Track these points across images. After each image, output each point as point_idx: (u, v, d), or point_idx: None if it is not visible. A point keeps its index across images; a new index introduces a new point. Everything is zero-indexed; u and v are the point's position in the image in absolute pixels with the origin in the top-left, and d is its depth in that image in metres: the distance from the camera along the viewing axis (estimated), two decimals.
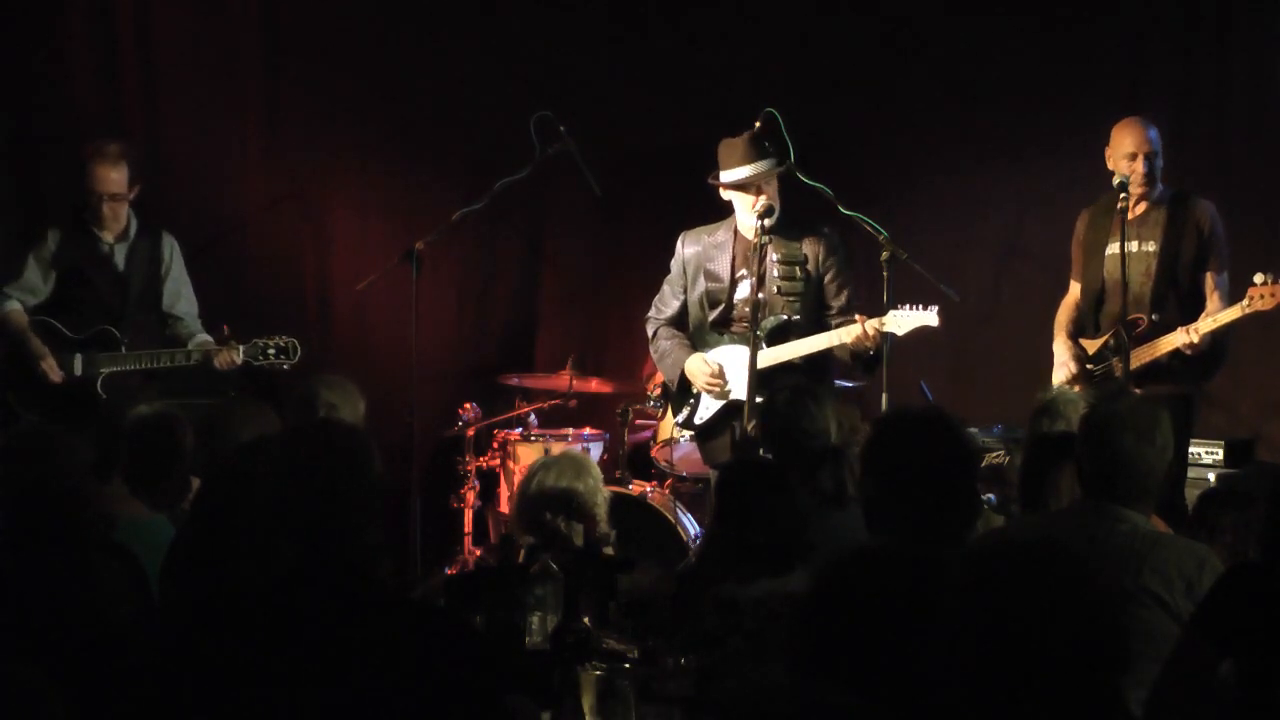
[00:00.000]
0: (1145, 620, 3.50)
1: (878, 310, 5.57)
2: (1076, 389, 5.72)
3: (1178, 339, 5.60)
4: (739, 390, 5.84)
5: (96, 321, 6.04)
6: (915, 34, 7.32)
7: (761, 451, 5.41)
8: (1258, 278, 5.50)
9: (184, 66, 7.42)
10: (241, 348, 5.99)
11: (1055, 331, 6.05)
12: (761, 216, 5.67)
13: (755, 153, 5.75)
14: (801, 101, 6.42)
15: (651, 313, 6.12)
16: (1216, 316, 5.59)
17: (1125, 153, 5.76)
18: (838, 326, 5.70)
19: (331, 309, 7.62)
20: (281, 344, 6.01)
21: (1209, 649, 3.13)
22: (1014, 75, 7.23)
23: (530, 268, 7.90)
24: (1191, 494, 5.25)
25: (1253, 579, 3.19)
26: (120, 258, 6.13)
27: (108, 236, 6.10)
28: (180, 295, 6.24)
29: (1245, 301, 5.52)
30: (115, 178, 6.04)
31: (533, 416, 6.93)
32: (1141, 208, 5.85)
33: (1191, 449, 6.10)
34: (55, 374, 5.93)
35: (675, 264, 6.04)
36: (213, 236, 7.46)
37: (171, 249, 6.24)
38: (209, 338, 6.17)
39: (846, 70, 7.34)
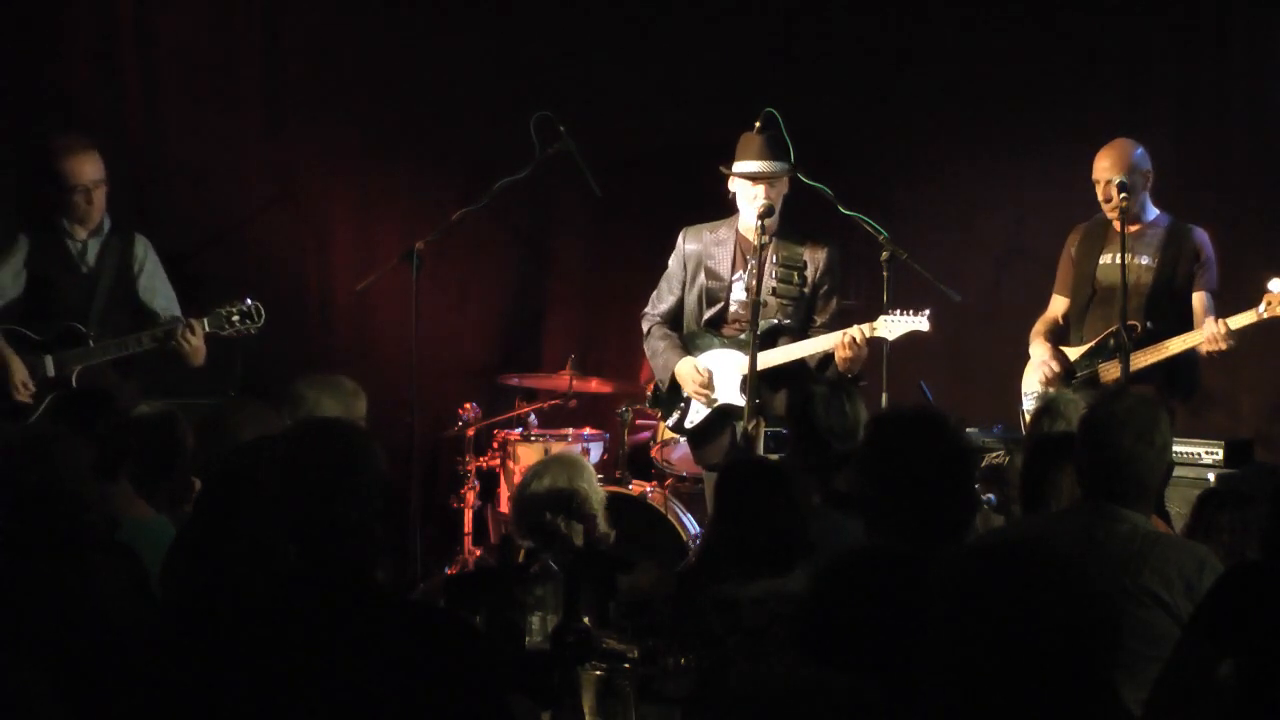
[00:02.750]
0: (1145, 620, 3.50)
1: (874, 316, 5.59)
2: (1052, 390, 5.73)
3: (1204, 335, 5.60)
4: (726, 396, 5.86)
5: (63, 320, 5.89)
6: (915, 34, 7.31)
7: (762, 450, 5.42)
8: (1273, 284, 5.51)
9: (184, 66, 7.42)
10: (205, 319, 5.81)
11: (1032, 339, 6.09)
12: (761, 217, 5.68)
13: (770, 151, 5.77)
14: (801, 101, 6.42)
15: (648, 308, 6.13)
16: (1233, 318, 5.60)
17: (1096, 183, 5.79)
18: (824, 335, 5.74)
19: (332, 309, 7.62)
20: (244, 308, 5.82)
21: (1209, 649, 3.13)
22: (1014, 76, 7.22)
23: (530, 268, 7.90)
24: (1190, 494, 5.24)
25: (1253, 579, 3.19)
26: (91, 254, 5.96)
27: (80, 233, 5.92)
28: (156, 291, 6.05)
29: (1262, 306, 5.54)
30: (91, 166, 5.87)
31: (533, 416, 6.93)
32: (1136, 226, 5.87)
33: (1191, 449, 6.09)
34: (23, 393, 5.77)
35: (675, 259, 6.05)
36: (213, 236, 7.47)
37: (145, 247, 6.06)
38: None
39: (846, 70, 7.34)
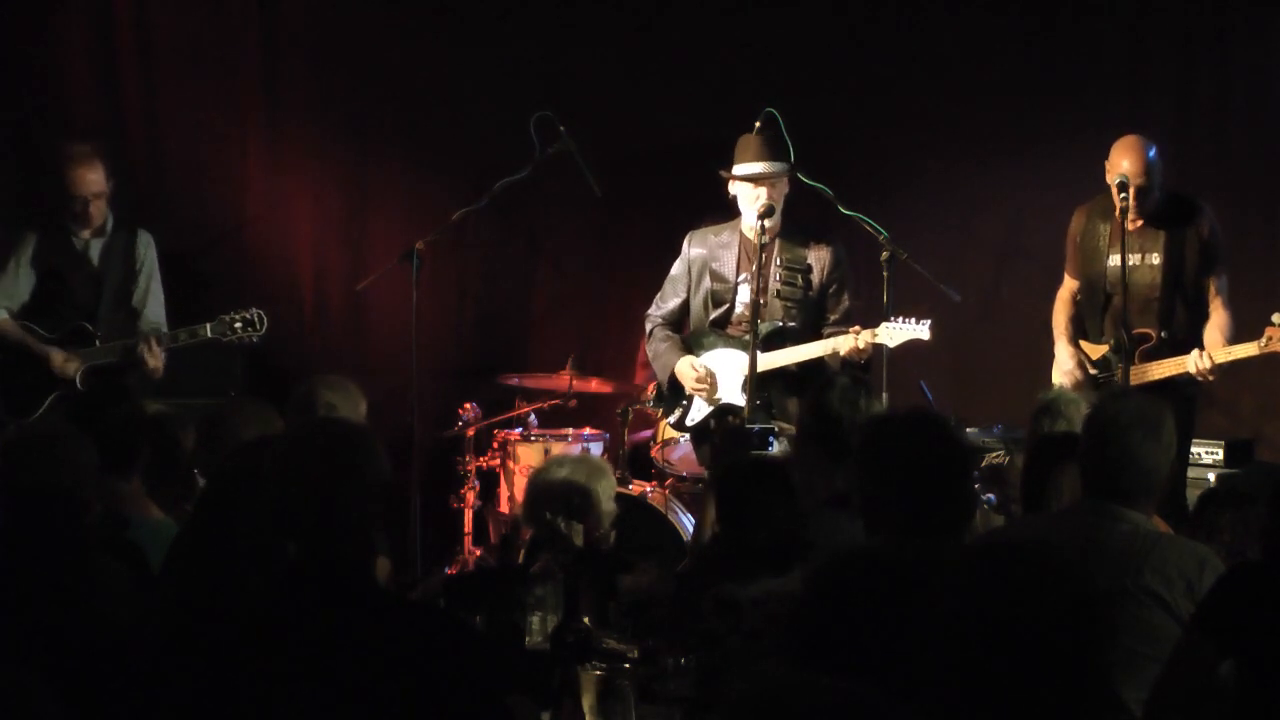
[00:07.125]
0: (1145, 620, 3.50)
1: (875, 319, 5.59)
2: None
3: (1190, 364, 5.59)
4: (729, 394, 5.87)
5: (71, 318, 6.00)
6: (915, 34, 7.32)
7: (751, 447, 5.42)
8: (1276, 317, 5.49)
9: (184, 66, 7.42)
10: (208, 325, 5.92)
11: (1055, 333, 6.04)
12: (761, 217, 5.69)
13: (770, 152, 5.77)
14: (801, 101, 6.43)
15: (651, 309, 6.15)
16: (1231, 350, 5.57)
17: (1117, 181, 5.69)
18: (831, 335, 5.73)
19: (331, 309, 7.62)
20: (247, 316, 5.92)
21: (1210, 648, 3.13)
22: (1014, 75, 7.23)
23: (530, 267, 7.90)
24: (1191, 494, 5.25)
25: (1254, 578, 3.20)
26: (95, 254, 6.08)
27: (85, 234, 6.05)
28: (150, 294, 6.15)
29: (1263, 340, 5.52)
30: (94, 177, 5.98)
31: (533, 416, 6.92)
32: (1139, 221, 5.81)
33: (1191, 449, 6.10)
34: (69, 369, 5.90)
35: (680, 263, 6.06)
36: (213, 236, 7.47)
37: (147, 246, 6.17)
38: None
39: (846, 70, 7.35)
